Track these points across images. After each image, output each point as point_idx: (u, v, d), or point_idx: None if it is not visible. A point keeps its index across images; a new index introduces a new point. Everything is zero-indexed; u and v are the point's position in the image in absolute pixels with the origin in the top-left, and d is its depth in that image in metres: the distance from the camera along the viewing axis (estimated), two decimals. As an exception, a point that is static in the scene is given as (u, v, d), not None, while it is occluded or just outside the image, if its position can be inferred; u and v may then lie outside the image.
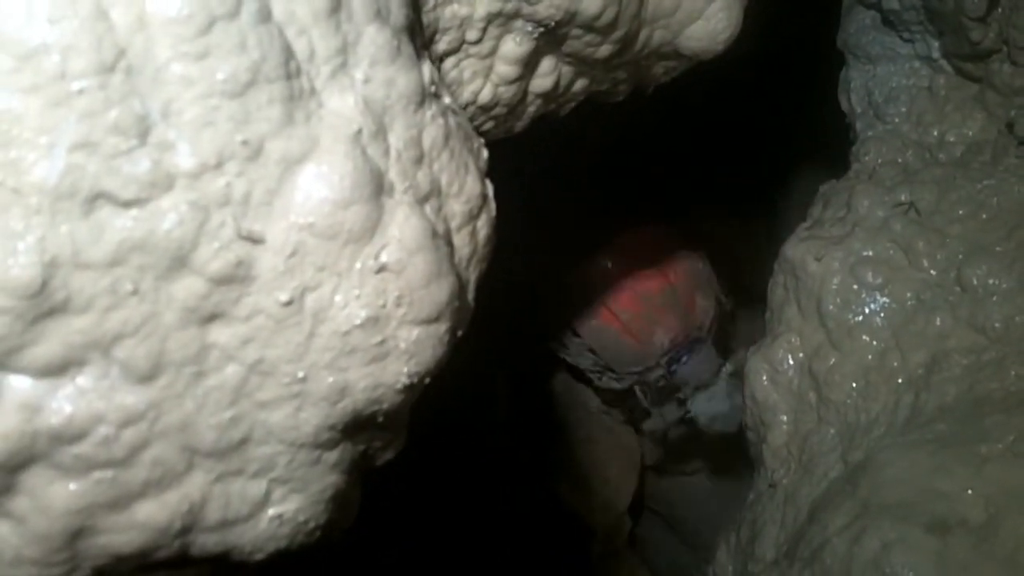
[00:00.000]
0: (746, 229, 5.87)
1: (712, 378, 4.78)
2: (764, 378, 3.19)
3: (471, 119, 2.22)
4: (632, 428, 5.63)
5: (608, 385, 5.16)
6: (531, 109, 2.38)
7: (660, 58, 2.47)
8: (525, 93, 2.29)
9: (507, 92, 2.21)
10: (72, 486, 1.24)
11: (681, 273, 4.94)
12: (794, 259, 3.21)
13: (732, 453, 5.46)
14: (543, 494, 5.59)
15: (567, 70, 2.33)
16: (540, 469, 5.62)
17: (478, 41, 2.03)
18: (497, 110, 2.25)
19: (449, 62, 2.06)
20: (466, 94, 2.16)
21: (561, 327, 5.03)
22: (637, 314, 4.84)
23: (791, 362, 3.15)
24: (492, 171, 1.66)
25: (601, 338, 4.89)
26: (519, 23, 2.04)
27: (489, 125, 2.31)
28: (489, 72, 2.15)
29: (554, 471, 5.47)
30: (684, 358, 4.81)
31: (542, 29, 2.04)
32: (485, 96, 2.18)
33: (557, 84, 2.33)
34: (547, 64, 2.27)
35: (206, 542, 1.38)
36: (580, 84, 2.43)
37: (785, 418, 3.12)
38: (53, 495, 1.24)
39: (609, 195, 5.23)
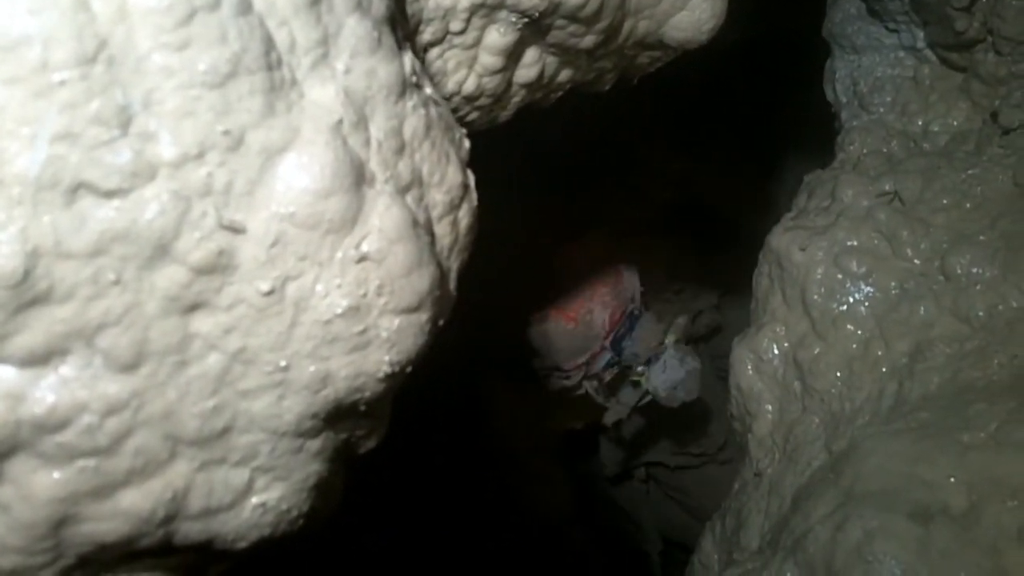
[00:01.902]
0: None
1: (659, 347, 4.87)
2: (749, 367, 3.21)
3: (456, 109, 2.23)
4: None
5: (558, 386, 5.18)
6: (516, 99, 2.39)
7: (645, 48, 2.48)
8: (510, 83, 2.30)
9: (491, 82, 2.22)
10: (56, 475, 1.25)
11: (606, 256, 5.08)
12: (779, 249, 3.22)
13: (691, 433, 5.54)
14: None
15: (552, 60, 2.33)
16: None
17: (462, 32, 2.04)
18: (482, 100, 2.26)
19: (433, 52, 2.06)
20: (450, 84, 2.16)
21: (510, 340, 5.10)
22: (576, 300, 4.94)
23: (776, 351, 3.17)
24: (474, 161, 1.67)
25: (546, 336, 4.92)
26: (503, 13, 2.04)
27: (474, 115, 2.32)
28: (473, 62, 2.15)
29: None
30: (628, 332, 4.90)
31: (526, 19, 2.05)
32: (469, 86, 2.19)
33: (542, 74, 2.33)
34: (531, 54, 2.27)
35: (189, 530, 1.38)
36: (565, 74, 2.43)
37: (770, 407, 3.14)
38: (37, 483, 1.24)
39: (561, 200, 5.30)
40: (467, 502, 5.38)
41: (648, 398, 4.93)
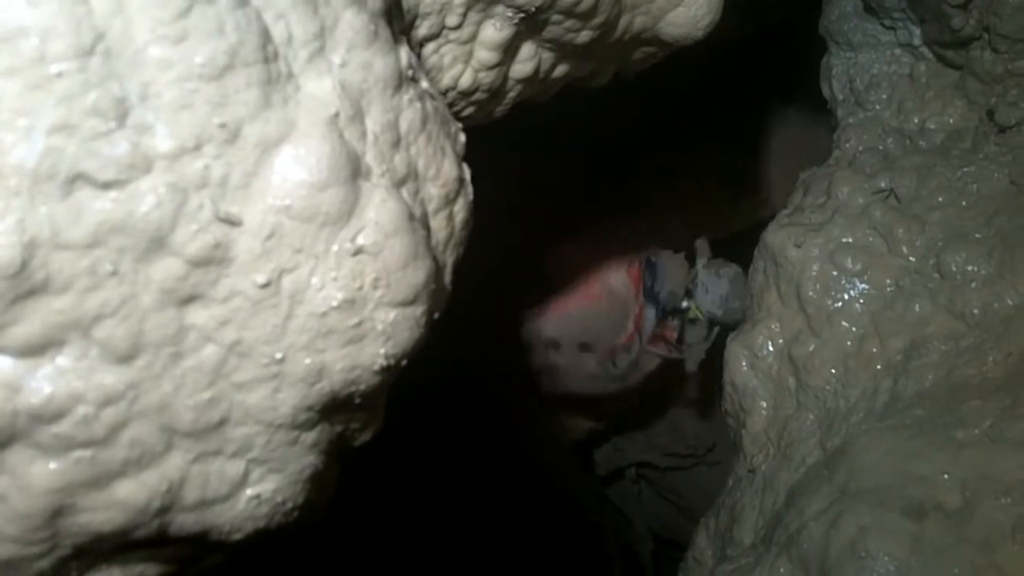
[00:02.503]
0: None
1: (692, 275, 4.79)
2: (744, 364, 3.21)
3: (451, 104, 2.23)
4: None
5: (612, 372, 5.12)
6: (512, 94, 2.39)
7: (641, 44, 2.48)
8: (506, 78, 2.30)
9: (487, 77, 2.22)
10: (52, 465, 1.25)
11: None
12: (774, 245, 3.23)
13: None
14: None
15: (547, 56, 2.34)
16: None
17: (458, 26, 2.04)
18: (478, 95, 2.26)
19: (429, 47, 2.06)
20: (446, 79, 2.17)
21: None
22: (587, 281, 4.93)
23: (771, 348, 3.17)
24: (469, 156, 1.67)
25: (582, 326, 4.90)
26: (499, 8, 2.05)
27: (470, 110, 2.32)
28: (469, 57, 2.16)
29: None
30: (654, 279, 4.84)
31: (522, 15, 2.05)
32: (465, 81, 2.19)
33: (537, 70, 2.34)
34: (527, 50, 2.28)
35: (185, 521, 1.39)
36: (561, 70, 2.44)
37: (764, 404, 3.15)
38: (33, 474, 1.24)
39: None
40: (487, 504, 5.41)
41: (714, 327, 4.82)
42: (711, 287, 4.68)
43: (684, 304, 4.79)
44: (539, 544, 5.71)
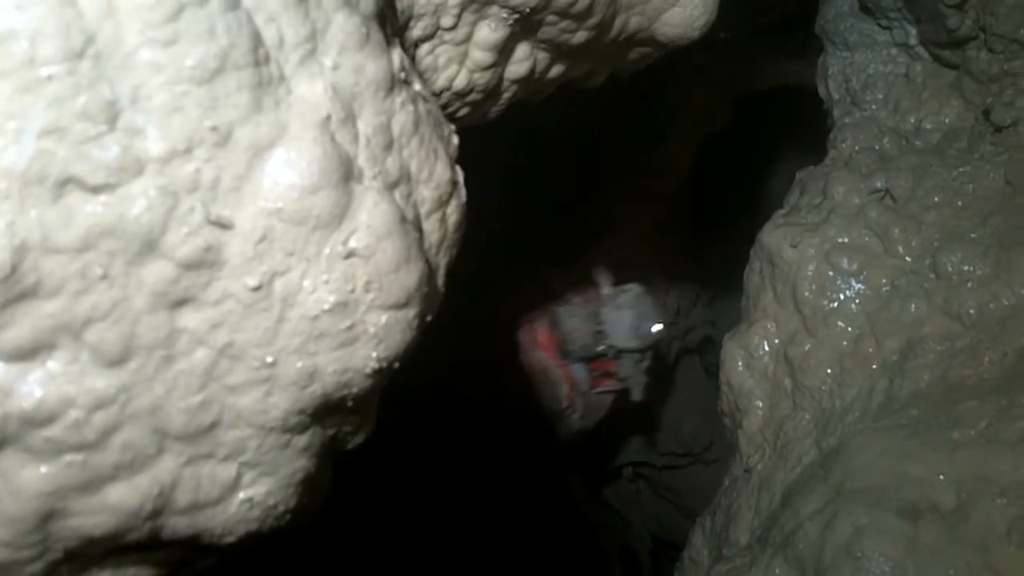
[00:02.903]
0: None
1: (594, 318, 5.05)
2: (739, 364, 3.21)
3: (446, 105, 2.23)
4: None
5: (572, 425, 5.43)
6: (507, 95, 2.39)
7: (636, 44, 2.48)
8: (501, 79, 2.30)
9: (482, 78, 2.22)
10: (43, 469, 1.25)
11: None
12: (770, 246, 3.23)
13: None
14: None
15: (543, 56, 2.33)
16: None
17: (453, 27, 2.04)
18: (472, 96, 2.26)
19: (424, 48, 2.06)
20: (441, 80, 2.16)
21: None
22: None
23: (766, 348, 3.17)
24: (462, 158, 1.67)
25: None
26: (494, 9, 2.05)
27: (465, 111, 2.32)
28: (464, 58, 2.15)
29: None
30: (562, 337, 5.13)
31: (517, 15, 2.05)
32: (460, 82, 2.19)
33: (533, 70, 2.33)
34: (522, 50, 2.27)
35: (177, 525, 1.39)
36: (556, 70, 2.44)
37: (760, 404, 3.15)
38: (24, 478, 1.24)
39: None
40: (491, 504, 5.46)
41: (638, 355, 5.05)
42: (617, 323, 4.93)
43: (600, 348, 5.04)
44: (536, 545, 5.73)
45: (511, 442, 5.57)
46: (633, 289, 4.94)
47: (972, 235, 2.86)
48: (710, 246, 6.04)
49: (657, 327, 4.89)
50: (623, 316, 4.90)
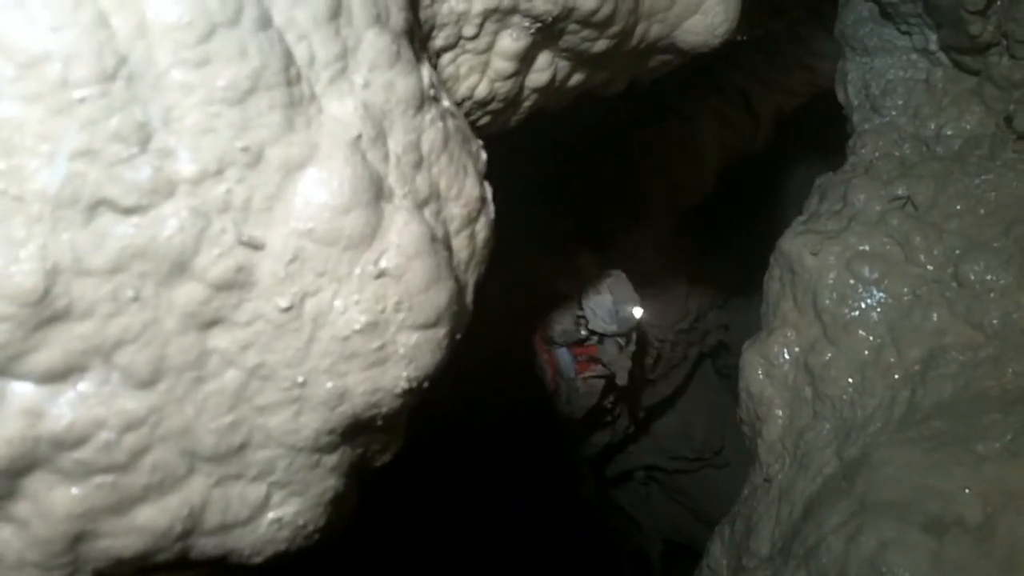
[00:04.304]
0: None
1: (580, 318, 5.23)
2: (759, 372, 3.19)
3: (467, 114, 2.22)
4: None
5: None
6: (527, 104, 2.38)
7: (657, 52, 2.47)
8: (521, 88, 2.29)
9: (503, 87, 2.21)
10: (74, 491, 1.24)
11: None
12: (790, 253, 3.21)
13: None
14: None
15: (563, 65, 2.33)
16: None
17: (475, 37, 2.03)
18: (493, 105, 2.25)
19: (446, 58, 2.05)
20: (462, 89, 2.16)
21: None
22: None
23: (786, 356, 3.15)
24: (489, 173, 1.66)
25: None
26: (516, 19, 2.04)
27: (485, 120, 2.31)
28: (486, 68, 2.14)
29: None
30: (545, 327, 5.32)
31: (539, 25, 2.04)
32: (481, 92, 2.18)
33: (553, 79, 2.33)
34: (543, 59, 2.27)
35: (206, 545, 1.38)
36: (576, 79, 2.43)
37: (780, 412, 3.13)
38: (55, 500, 1.24)
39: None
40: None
41: (621, 339, 5.22)
42: (597, 307, 5.09)
43: (582, 333, 5.21)
44: (547, 548, 5.73)
45: (519, 443, 5.59)
46: (612, 274, 5.03)
47: (995, 244, 2.84)
48: (724, 250, 6.04)
49: (637, 310, 5.02)
50: (603, 301, 5.03)
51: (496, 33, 2.07)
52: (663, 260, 5.96)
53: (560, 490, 5.95)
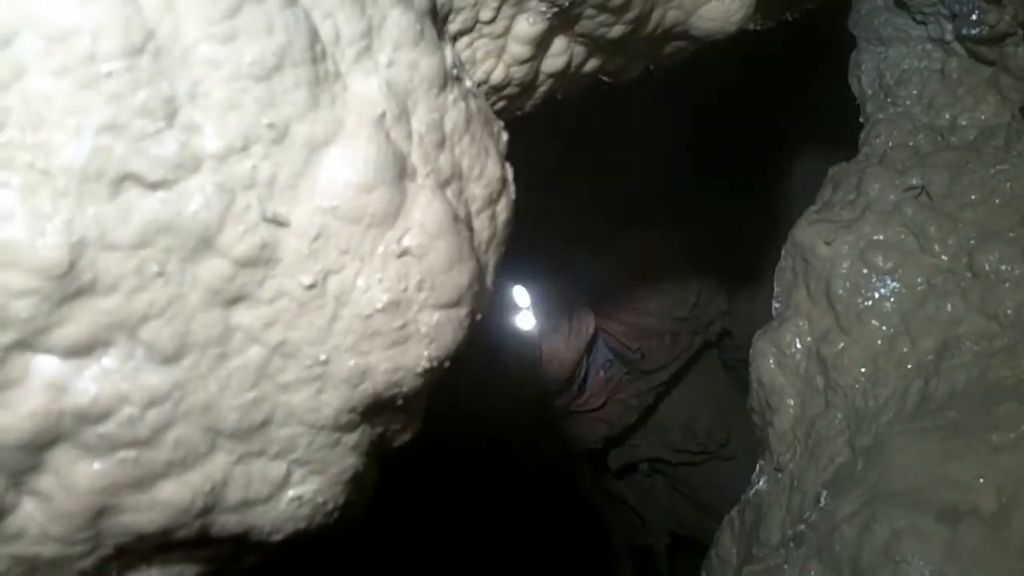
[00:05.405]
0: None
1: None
2: (771, 361, 3.19)
3: (483, 99, 2.23)
4: None
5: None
6: (543, 89, 2.38)
7: (672, 39, 2.47)
8: (537, 73, 2.29)
9: (519, 72, 2.21)
10: (96, 465, 1.25)
11: None
12: (803, 242, 3.20)
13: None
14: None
15: (579, 50, 2.32)
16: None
17: (491, 21, 2.03)
18: (509, 90, 2.25)
19: (462, 42, 2.05)
20: (478, 74, 2.16)
21: None
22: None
23: (799, 346, 3.14)
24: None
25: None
26: (533, 3, 2.04)
27: (501, 104, 2.31)
28: (502, 52, 2.14)
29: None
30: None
31: (556, 9, 2.04)
32: (497, 76, 2.18)
33: (569, 64, 2.32)
34: (559, 44, 2.26)
35: (226, 522, 1.39)
36: (592, 64, 2.42)
37: (792, 402, 3.12)
38: (78, 474, 1.24)
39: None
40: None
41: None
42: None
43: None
44: (551, 541, 5.74)
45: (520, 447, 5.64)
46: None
47: (1010, 234, 2.83)
48: (730, 238, 6.02)
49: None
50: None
51: (513, 17, 2.07)
52: (665, 247, 5.99)
53: (557, 482, 5.98)
